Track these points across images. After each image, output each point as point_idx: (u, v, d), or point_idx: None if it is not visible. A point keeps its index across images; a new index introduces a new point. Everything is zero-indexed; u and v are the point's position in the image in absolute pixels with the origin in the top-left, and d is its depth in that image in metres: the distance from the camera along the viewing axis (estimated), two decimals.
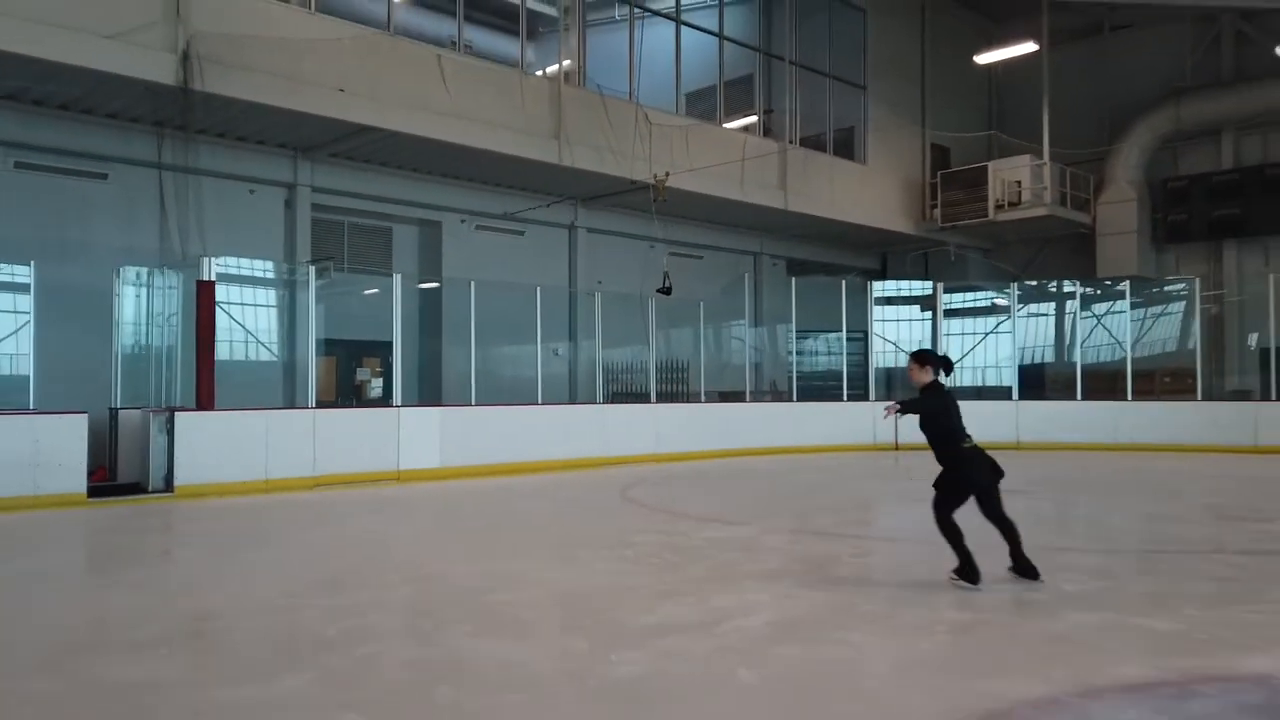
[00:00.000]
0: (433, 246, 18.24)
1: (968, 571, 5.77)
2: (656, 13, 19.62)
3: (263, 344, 15.13)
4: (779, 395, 21.36)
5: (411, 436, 13.24)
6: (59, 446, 10.31)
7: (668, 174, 17.17)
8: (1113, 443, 17.83)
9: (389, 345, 13.83)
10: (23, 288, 11.90)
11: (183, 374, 12.31)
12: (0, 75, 11.93)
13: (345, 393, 17.25)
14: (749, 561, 7.18)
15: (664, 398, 18.12)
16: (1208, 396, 18.47)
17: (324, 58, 13.73)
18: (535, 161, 16.39)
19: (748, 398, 19.23)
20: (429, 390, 17.21)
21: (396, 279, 13.63)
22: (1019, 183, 22.26)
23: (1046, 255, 24.96)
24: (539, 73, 18.36)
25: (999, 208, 22.47)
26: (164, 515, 10.07)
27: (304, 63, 13.50)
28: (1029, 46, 21.18)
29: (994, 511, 5.81)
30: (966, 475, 5.75)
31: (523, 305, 15.68)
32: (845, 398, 19.13)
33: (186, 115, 13.25)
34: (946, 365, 5.92)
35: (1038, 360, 24.34)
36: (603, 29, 20.33)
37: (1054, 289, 24.11)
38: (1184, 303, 22.65)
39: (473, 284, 14.65)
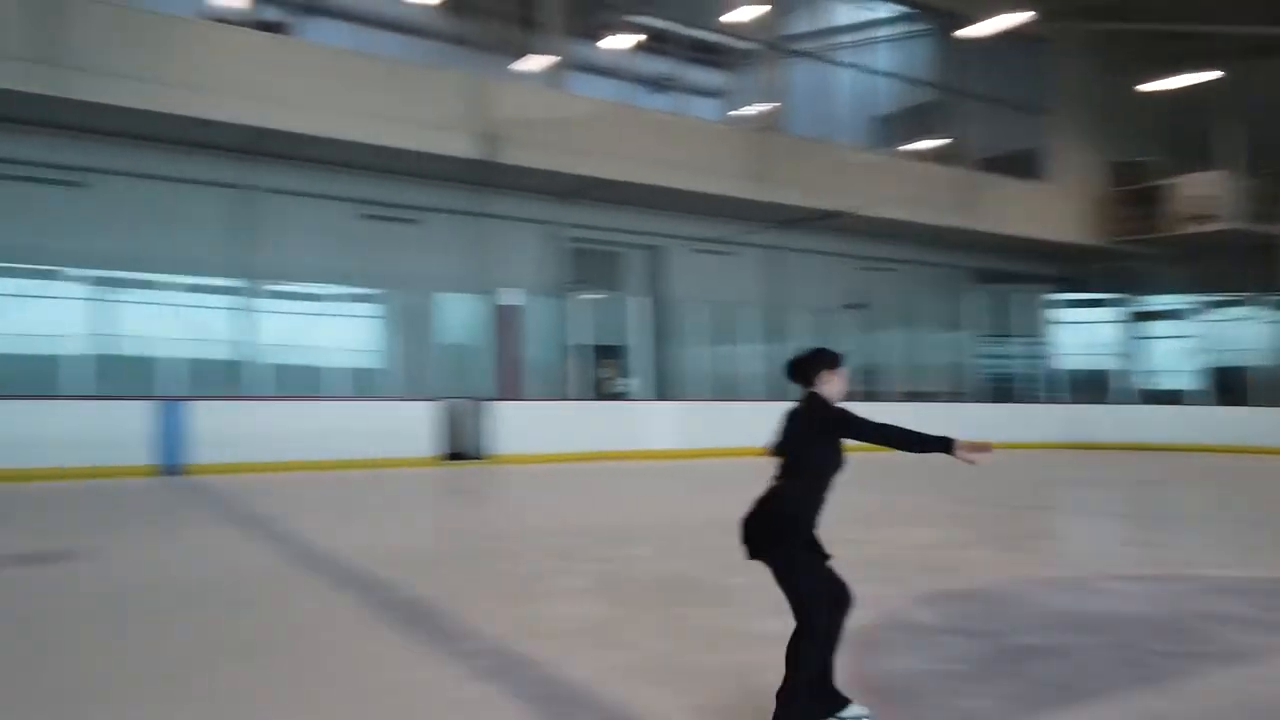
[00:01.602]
0: (659, 266, 22.03)
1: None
2: (840, 63, 22.50)
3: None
4: (963, 396, 23.65)
5: (655, 423, 16.93)
6: (413, 421, 14.69)
7: (858, 206, 20.06)
8: None
9: (621, 349, 17.62)
10: (378, 307, 16.56)
11: (482, 372, 16.60)
12: (355, 155, 16.65)
13: (591, 388, 21.30)
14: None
15: (857, 397, 20.97)
16: None
17: (577, 128, 17.70)
18: (742, 199, 19.79)
19: (939, 398, 21.72)
20: (659, 386, 20.96)
21: (638, 303, 17.38)
22: (1202, 196, 23.36)
23: (1230, 265, 25.69)
24: (743, 111, 21.71)
25: (1181, 220, 23.65)
26: (484, 475, 14.19)
27: (563, 133, 17.52)
28: (1210, 74, 22.32)
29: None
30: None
31: (732, 314, 19.08)
32: (1031, 399, 21.20)
33: (485, 176, 17.62)
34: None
35: (1228, 365, 25.16)
36: (797, 61, 23.44)
37: (1238, 297, 24.89)
38: None
39: (693, 302, 18.23)
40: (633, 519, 9.77)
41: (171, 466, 12.82)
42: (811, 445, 3.35)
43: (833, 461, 3.36)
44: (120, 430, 12.56)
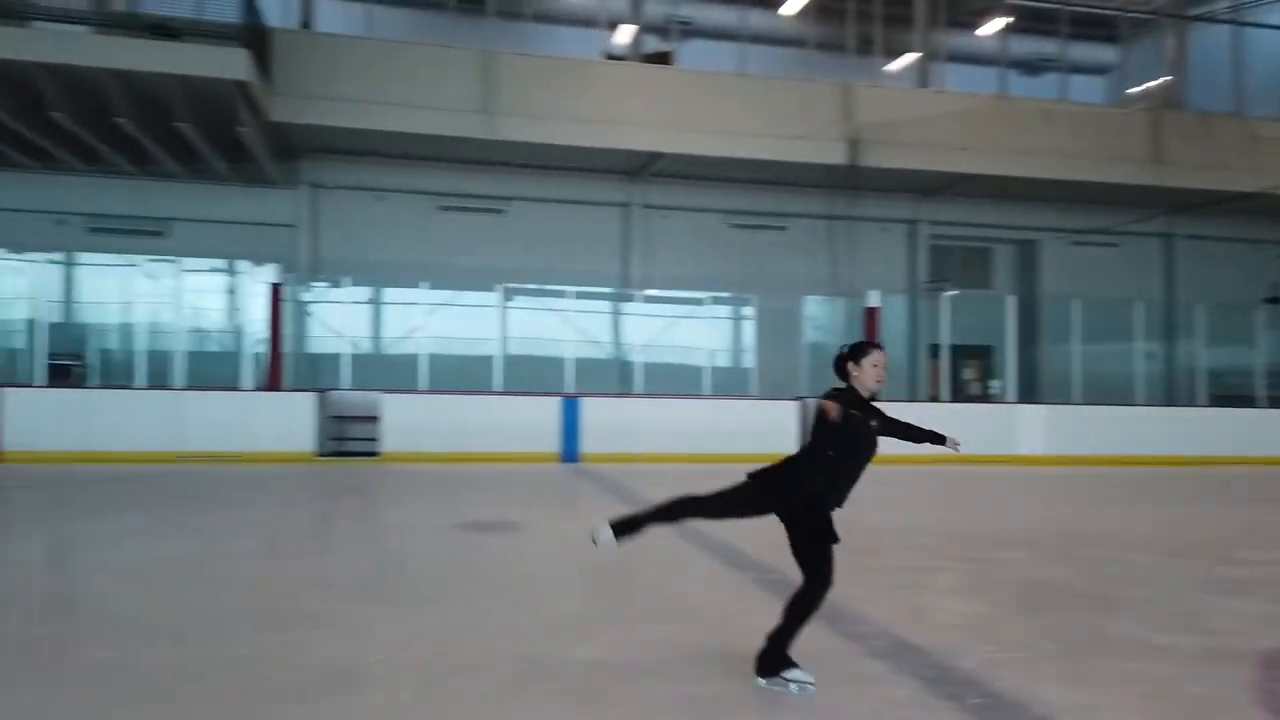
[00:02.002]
0: (1028, 262, 20.88)
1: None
2: (1252, 24, 19.73)
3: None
4: None
5: (1021, 427, 16.21)
6: (780, 419, 15.42)
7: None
8: None
9: (986, 349, 16.94)
10: (747, 311, 17.57)
11: None
12: (727, 169, 17.77)
13: (951, 390, 20.76)
14: None
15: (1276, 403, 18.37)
16: None
17: (945, 124, 17.37)
18: (1131, 185, 18.18)
19: None
20: (1028, 389, 19.92)
21: (1010, 301, 16.70)
22: None
23: None
24: (1137, 89, 19.88)
25: None
26: None
27: (930, 131, 17.29)
28: None
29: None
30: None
31: (1115, 311, 17.60)
32: None
33: (849, 179, 17.96)
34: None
35: None
36: (1199, 27, 20.91)
37: None
38: None
39: (1068, 298, 17.12)
40: (1003, 523, 9.62)
41: (570, 454, 14.67)
42: (838, 434, 3.87)
43: (857, 448, 3.99)
44: (531, 422, 14.61)
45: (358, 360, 16.25)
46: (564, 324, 18.25)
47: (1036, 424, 16.41)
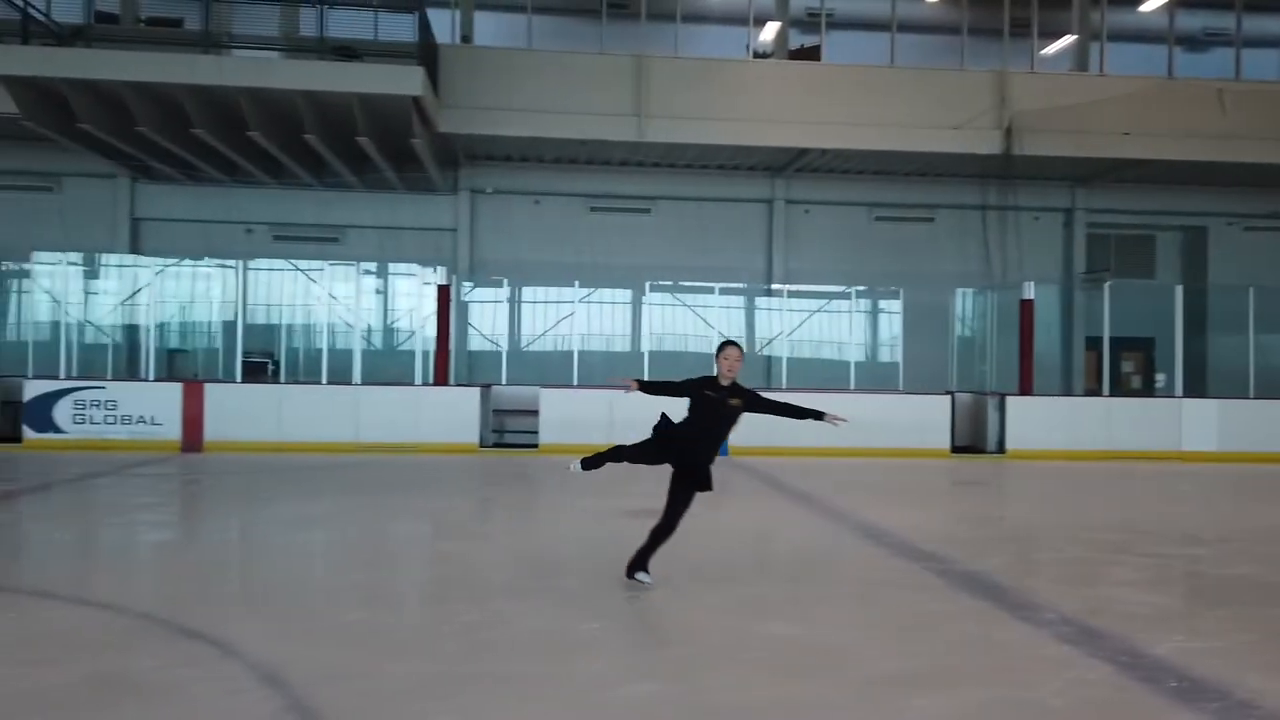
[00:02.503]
0: (1195, 249, 19.86)
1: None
2: None
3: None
4: None
5: (1188, 422, 15.51)
6: (929, 414, 15.30)
7: None
8: None
9: (1147, 341, 16.24)
10: (894, 304, 17.45)
11: (1001, 368, 16.60)
12: (872, 161, 17.71)
13: (1110, 383, 19.97)
14: None
15: None
16: None
17: (1106, 109, 16.75)
18: None
19: None
20: (1194, 382, 18.97)
21: (1177, 291, 16.01)
22: None
23: None
24: None
25: None
26: (1000, 469, 14.29)
27: (1090, 116, 16.71)
28: None
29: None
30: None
31: None
32: None
33: (1000, 168, 17.58)
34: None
35: None
36: None
37: None
38: None
39: (1240, 287, 16.24)
40: (1175, 520, 9.36)
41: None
42: (699, 409, 5.71)
43: (719, 419, 5.71)
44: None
45: (514, 356, 17.09)
46: (707, 320, 18.64)
47: (1205, 419, 15.66)
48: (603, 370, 16.92)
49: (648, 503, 10.50)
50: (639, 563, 5.73)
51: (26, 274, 16.63)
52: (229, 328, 16.43)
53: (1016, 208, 18.86)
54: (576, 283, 17.21)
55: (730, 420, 5.77)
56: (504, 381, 16.02)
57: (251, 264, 15.43)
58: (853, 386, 16.29)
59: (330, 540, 7.57)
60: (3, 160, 17.70)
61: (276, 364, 16.18)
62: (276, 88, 13.31)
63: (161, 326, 16.26)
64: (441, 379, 14.97)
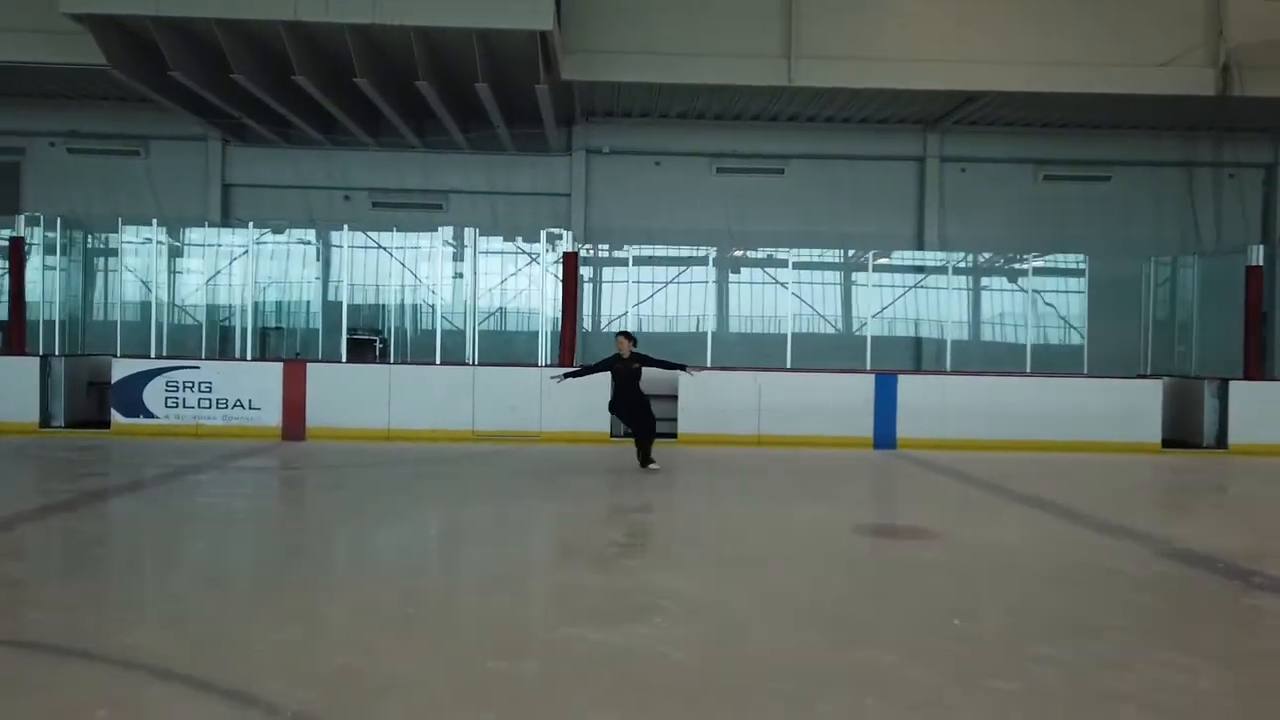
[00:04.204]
0: None
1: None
2: None
3: None
4: None
5: None
6: (1136, 404, 13.00)
7: None
8: None
9: None
10: (1072, 279, 15.13)
11: (1201, 346, 14.19)
12: (1040, 110, 15.35)
13: None
14: None
15: None
16: None
17: None
18: None
19: None
20: None
21: None
22: None
23: None
24: None
25: None
26: (1236, 467, 11.94)
27: None
28: None
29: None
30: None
31: None
32: None
33: (1199, 117, 15.05)
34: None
35: None
36: None
37: None
38: None
39: None
40: None
41: (885, 438, 12.94)
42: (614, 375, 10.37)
43: (628, 379, 10.15)
44: (838, 403, 12.97)
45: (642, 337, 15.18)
46: (853, 295, 16.57)
47: None
48: (743, 351, 14.99)
49: (880, 512, 8.70)
50: (646, 459, 9.94)
51: (113, 251, 15.39)
52: (328, 304, 14.93)
53: (1218, 163, 16.30)
54: (710, 252, 15.31)
55: (635, 377, 10.06)
56: None
57: (353, 231, 13.80)
58: (1029, 369, 14.07)
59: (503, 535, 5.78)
60: (89, 122, 16.46)
61: (385, 341, 14.57)
62: (388, 24, 11.58)
63: (258, 304, 14.77)
64: (568, 359, 13.18)
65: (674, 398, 12.92)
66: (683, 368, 10.61)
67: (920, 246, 16.79)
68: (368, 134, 15.72)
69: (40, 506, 7.46)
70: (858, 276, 16.45)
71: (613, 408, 10.50)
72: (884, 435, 13.01)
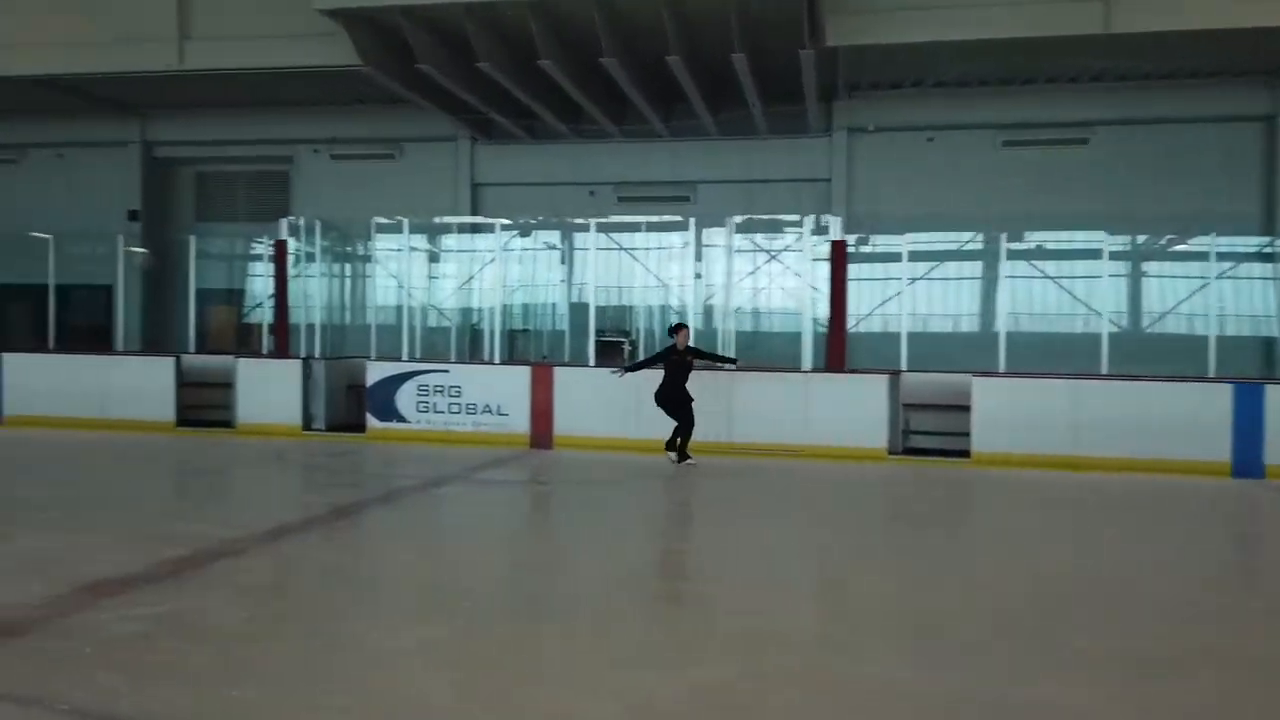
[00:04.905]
0: None
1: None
2: None
3: None
4: None
5: None
6: None
7: None
8: None
9: None
10: None
11: None
12: None
13: None
14: None
15: None
16: None
17: None
18: None
19: None
20: None
21: None
22: None
23: None
24: None
25: None
26: None
27: None
28: None
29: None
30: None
31: None
32: None
33: None
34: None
35: None
36: None
37: None
38: None
39: None
40: None
41: (1248, 466, 10.24)
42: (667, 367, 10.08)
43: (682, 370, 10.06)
44: (1182, 416, 10.45)
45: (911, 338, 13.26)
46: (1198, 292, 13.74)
47: None
48: (1041, 354, 12.71)
49: None
50: (683, 454, 10.09)
51: (368, 258, 15.53)
52: (574, 306, 14.17)
53: None
54: (1001, 238, 13.13)
55: (687, 370, 10.16)
56: (904, 366, 12.31)
57: (599, 233, 12.89)
58: None
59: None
60: (347, 128, 16.77)
61: (633, 343, 13.58)
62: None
63: (506, 307, 14.24)
64: (837, 363, 11.54)
65: (965, 408, 10.96)
66: (733, 361, 10.51)
67: (1271, 229, 13.65)
68: (612, 123, 14.85)
69: (276, 528, 6.86)
70: (1183, 265, 13.65)
71: (660, 400, 10.06)
72: (1247, 460, 10.32)
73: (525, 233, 15.02)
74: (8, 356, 13.21)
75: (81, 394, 12.85)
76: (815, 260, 12.33)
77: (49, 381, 13.07)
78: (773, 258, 14.30)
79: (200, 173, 18.42)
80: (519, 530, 7.63)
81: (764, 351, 13.69)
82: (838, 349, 11.51)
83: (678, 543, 7.31)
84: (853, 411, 11.20)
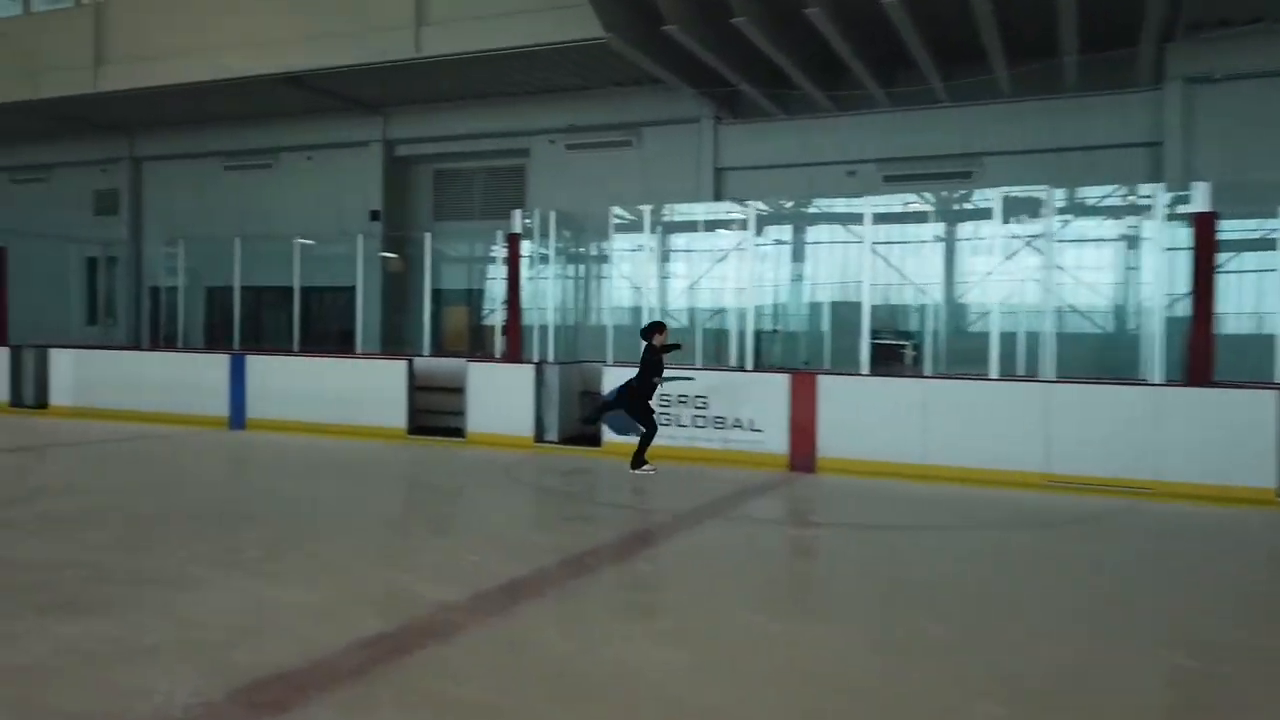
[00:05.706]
0: None
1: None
2: None
3: None
4: None
5: None
6: None
7: None
8: None
9: None
10: None
11: None
12: None
13: None
14: None
15: None
16: None
17: None
18: None
19: None
20: None
21: None
22: None
23: None
24: None
25: None
26: None
27: None
28: None
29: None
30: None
31: None
32: None
33: None
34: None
35: None
36: None
37: None
38: None
39: None
40: None
41: None
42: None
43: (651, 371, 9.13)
44: None
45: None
46: None
47: None
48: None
49: None
50: (640, 461, 9.12)
51: (606, 258, 14.24)
52: (836, 303, 12.09)
53: None
54: None
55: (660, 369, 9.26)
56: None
57: (880, 209, 10.76)
58: None
59: None
60: (585, 114, 15.63)
61: (918, 347, 11.29)
62: None
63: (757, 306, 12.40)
64: (1201, 371, 8.76)
65: None
66: (678, 346, 9.82)
67: None
68: (881, 86, 12.67)
69: (507, 585, 5.37)
70: None
71: (639, 406, 9.22)
72: None
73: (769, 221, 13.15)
74: (250, 359, 12.99)
75: (318, 397, 12.37)
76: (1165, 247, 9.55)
77: (288, 384, 12.71)
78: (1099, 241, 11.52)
79: (438, 170, 18.01)
80: (850, 607, 5.74)
81: (1103, 356, 10.97)
82: (1202, 355, 8.73)
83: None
84: (1220, 435, 8.44)
